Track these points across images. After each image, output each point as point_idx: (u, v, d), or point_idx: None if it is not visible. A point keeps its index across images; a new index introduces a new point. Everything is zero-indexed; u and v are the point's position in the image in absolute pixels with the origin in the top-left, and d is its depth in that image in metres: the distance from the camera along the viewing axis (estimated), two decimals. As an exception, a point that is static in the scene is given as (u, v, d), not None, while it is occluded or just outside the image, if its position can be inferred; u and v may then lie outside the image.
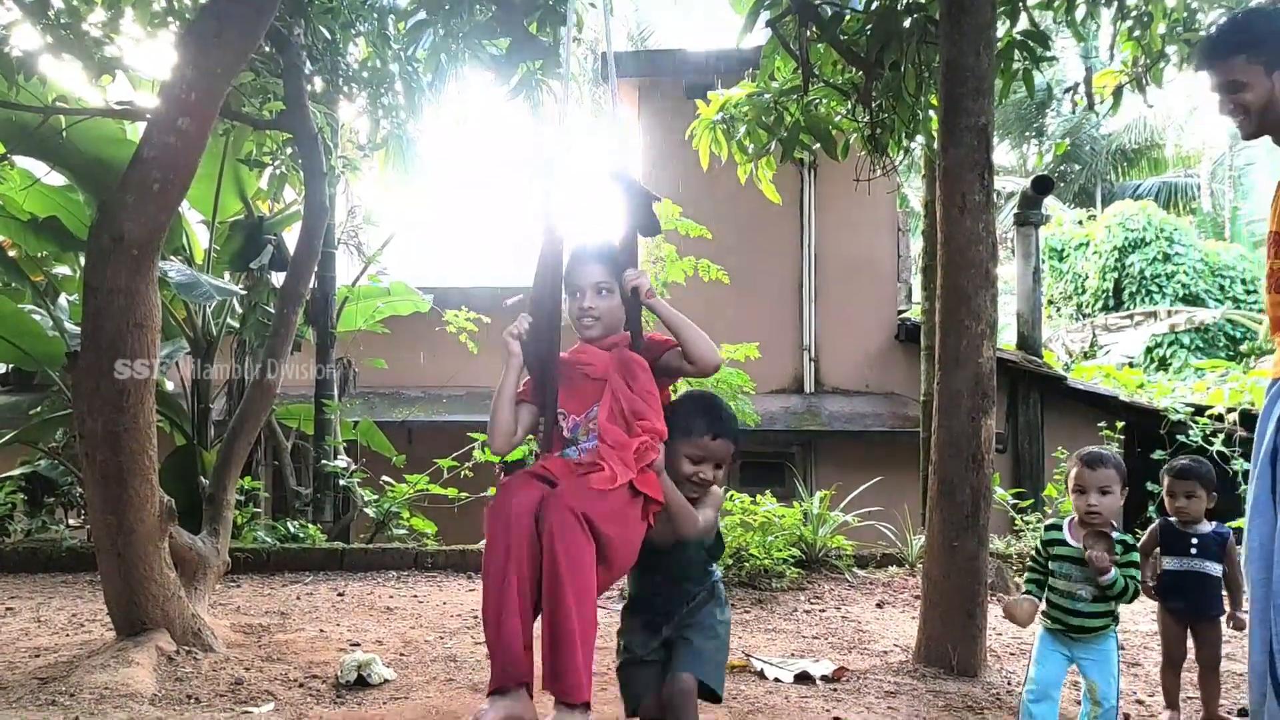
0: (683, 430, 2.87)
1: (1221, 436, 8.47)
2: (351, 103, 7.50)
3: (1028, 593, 3.54)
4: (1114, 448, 7.91)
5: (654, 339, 2.97)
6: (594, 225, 3.15)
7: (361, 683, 4.36)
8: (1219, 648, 3.93)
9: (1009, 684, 4.37)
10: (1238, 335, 16.65)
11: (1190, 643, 3.96)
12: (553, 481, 2.70)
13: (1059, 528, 3.52)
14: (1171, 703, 3.99)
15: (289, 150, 7.12)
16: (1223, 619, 3.90)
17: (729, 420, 2.96)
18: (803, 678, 4.47)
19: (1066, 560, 3.44)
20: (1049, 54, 5.72)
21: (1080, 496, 3.40)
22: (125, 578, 4.56)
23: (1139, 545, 4.03)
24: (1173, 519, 3.97)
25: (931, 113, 5.95)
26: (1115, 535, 3.38)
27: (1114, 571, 3.31)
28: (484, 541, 2.73)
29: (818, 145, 6.34)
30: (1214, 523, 3.92)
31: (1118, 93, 6.27)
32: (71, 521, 9.21)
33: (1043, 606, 3.52)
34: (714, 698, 2.89)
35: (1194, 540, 3.89)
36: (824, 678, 4.47)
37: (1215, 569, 3.85)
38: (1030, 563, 3.62)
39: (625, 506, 2.65)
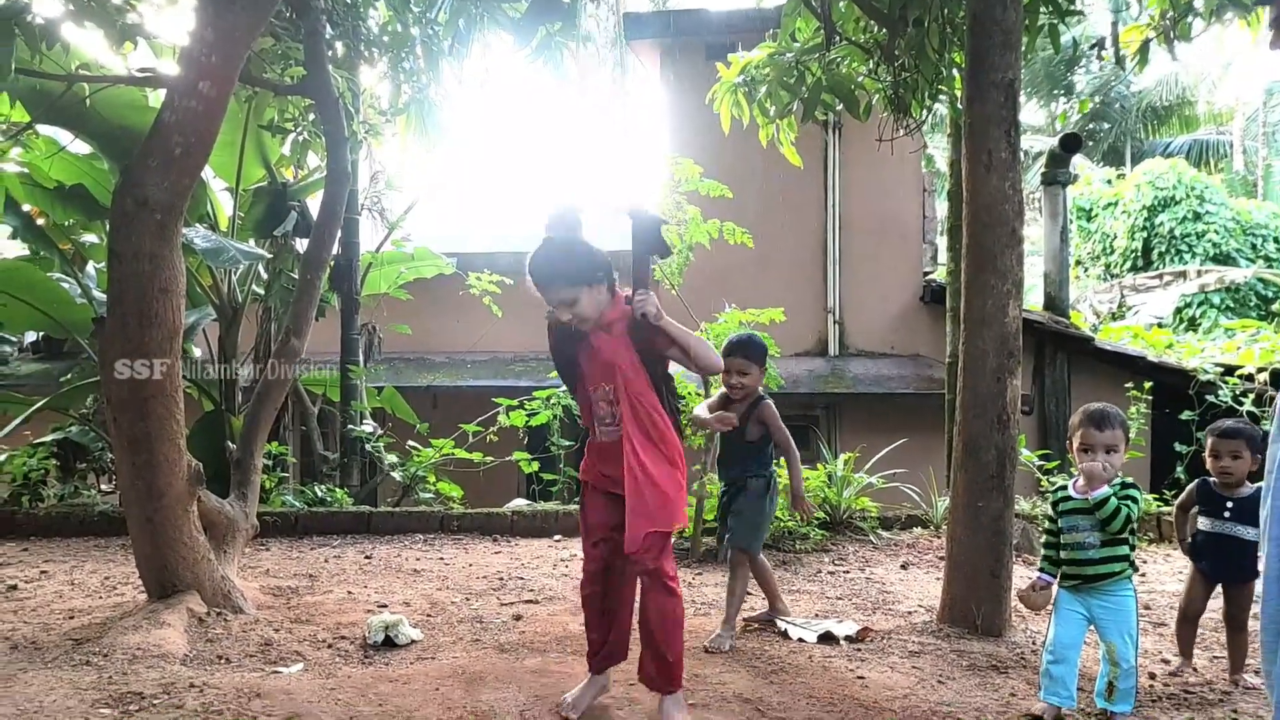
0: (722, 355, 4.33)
1: (1252, 396, 8.38)
2: (372, 68, 7.48)
3: (1042, 569, 3.60)
4: (1141, 408, 7.86)
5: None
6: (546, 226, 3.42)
7: (389, 643, 4.41)
8: (1248, 610, 3.90)
9: (1033, 644, 4.36)
10: (1269, 294, 16.45)
11: (1218, 601, 3.97)
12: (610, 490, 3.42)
13: (1065, 487, 3.59)
14: (1185, 652, 4.07)
15: (311, 116, 7.11)
16: (1257, 581, 3.86)
17: (742, 343, 4.56)
18: (826, 638, 4.48)
19: (1073, 513, 3.50)
20: (1075, 8, 5.62)
21: (1085, 455, 3.42)
22: (155, 541, 4.63)
23: (1180, 502, 4.07)
24: (1212, 479, 3.96)
25: (955, 71, 5.88)
26: (1117, 480, 3.44)
27: (1106, 488, 3.36)
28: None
29: (840, 105, 6.28)
30: (1255, 485, 3.88)
31: (1144, 48, 6.16)
32: (103, 486, 9.33)
33: (1060, 572, 3.56)
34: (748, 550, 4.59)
35: (1229, 503, 3.89)
36: (848, 638, 4.48)
37: (1249, 533, 3.82)
38: (1045, 535, 3.65)
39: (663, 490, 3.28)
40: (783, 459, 4.79)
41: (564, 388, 8.56)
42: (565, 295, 3.28)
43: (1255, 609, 3.97)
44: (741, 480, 4.60)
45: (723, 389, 4.64)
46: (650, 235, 3.37)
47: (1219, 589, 4.01)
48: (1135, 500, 3.41)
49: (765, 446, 4.61)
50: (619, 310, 3.34)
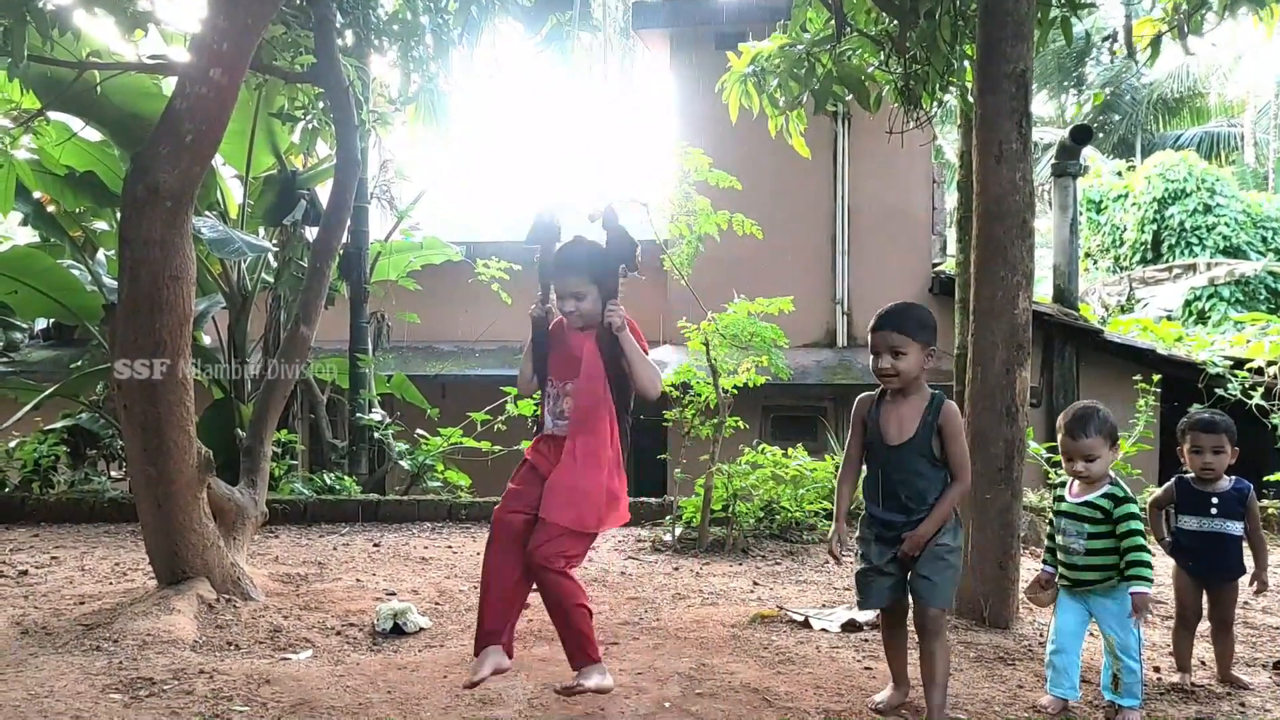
0: (869, 331, 3.44)
1: (1261, 390, 8.36)
2: (382, 56, 7.48)
3: (1046, 561, 3.62)
4: (1150, 401, 7.83)
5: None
6: (574, 232, 3.61)
7: (398, 631, 4.43)
8: (1234, 608, 3.86)
9: (1040, 636, 4.36)
10: (1279, 288, 16.37)
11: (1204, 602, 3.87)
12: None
13: (1064, 485, 3.57)
14: (1183, 665, 3.86)
15: (321, 104, 7.12)
16: (1244, 579, 3.83)
17: (895, 312, 3.38)
18: (850, 626, 4.49)
19: (1063, 515, 3.50)
20: (1087, 0, 5.60)
21: (1069, 463, 3.44)
22: (165, 527, 4.65)
23: (1154, 499, 3.96)
24: (1189, 475, 3.83)
25: (967, 62, 5.86)
26: (1107, 489, 3.42)
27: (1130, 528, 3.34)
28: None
29: (850, 97, 6.27)
30: (1232, 478, 3.79)
31: (1156, 41, 6.12)
32: (113, 473, 9.37)
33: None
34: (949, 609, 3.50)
35: (1214, 499, 3.75)
36: (869, 624, 4.49)
37: (1236, 528, 3.74)
38: (1049, 528, 3.64)
39: (587, 492, 3.33)
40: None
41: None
42: (580, 289, 3.42)
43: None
44: (921, 511, 3.31)
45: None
46: (623, 248, 3.45)
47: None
48: (1134, 515, 3.37)
49: (944, 464, 3.35)
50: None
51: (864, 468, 3.52)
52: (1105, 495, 3.40)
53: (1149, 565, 3.34)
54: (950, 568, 3.32)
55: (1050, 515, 3.65)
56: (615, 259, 3.44)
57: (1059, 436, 3.47)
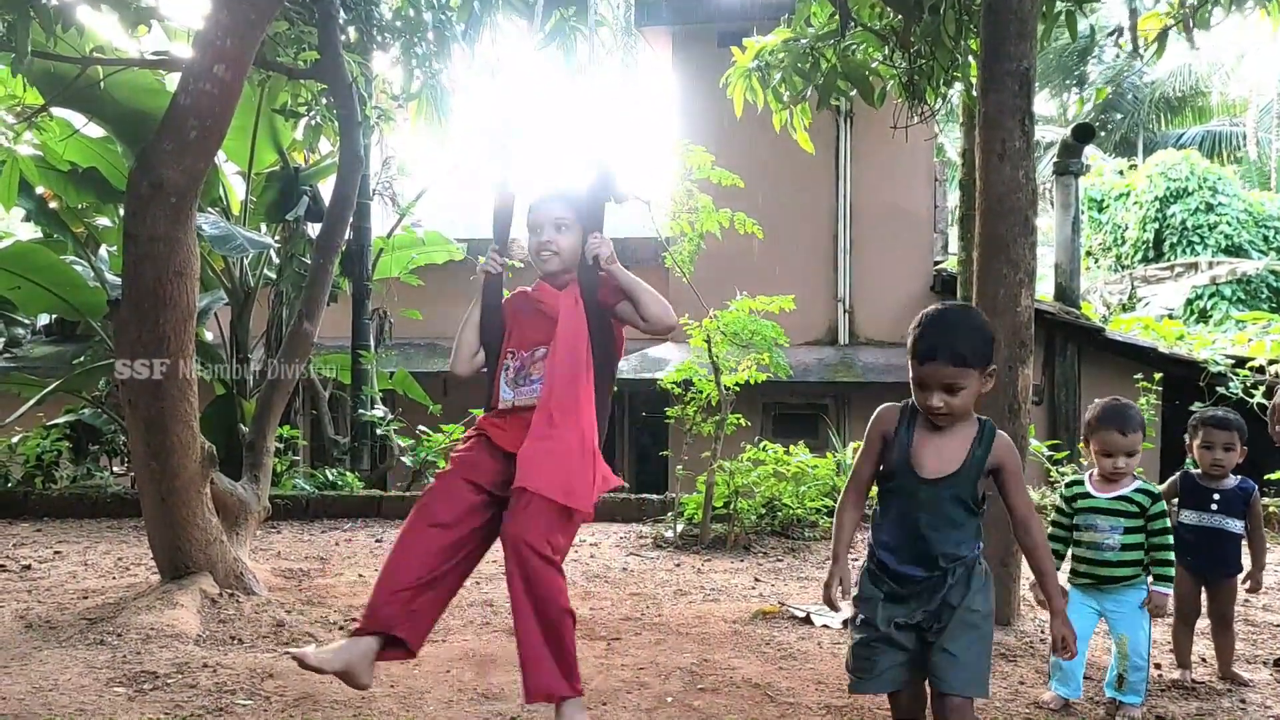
0: (910, 353, 2.62)
1: (1263, 389, 8.37)
2: (385, 52, 7.48)
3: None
4: (1152, 399, 7.84)
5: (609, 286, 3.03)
6: (556, 171, 3.25)
7: (400, 626, 4.43)
8: (1233, 604, 3.87)
9: (1042, 633, 4.37)
10: (1280, 286, 16.39)
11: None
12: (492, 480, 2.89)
13: (1081, 482, 3.55)
14: (1183, 661, 3.87)
15: (324, 101, 7.12)
16: (1239, 576, 3.84)
17: (944, 340, 2.55)
18: (851, 623, 4.49)
19: (1090, 511, 3.47)
20: (1093, -4, 5.61)
21: (1107, 459, 3.40)
22: (169, 522, 4.66)
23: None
24: (1194, 471, 3.86)
25: (971, 58, 5.86)
26: (1139, 484, 3.43)
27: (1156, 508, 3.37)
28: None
29: (854, 92, 6.27)
30: (1238, 476, 3.81)
31: (1162, 36, 6.12)
32: (115, 469, 9.39)
33: (1068, 566, 3.54)
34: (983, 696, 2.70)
35: (1216, 495, 3.77)
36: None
37: (1236, 526, 3.75)
38: (1052, 525, 3.60)
39: (569, 462, 2.79)
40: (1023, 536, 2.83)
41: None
42: (564, 217, 3.03)
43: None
44: (953, 566, 2.64)
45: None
46: (608, 179, 3.12)
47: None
48: (1166, 514, 3.41)
49: (980, 511, 2.73)
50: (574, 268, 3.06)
51: (876, 502, 2.86)
52: (1140, 491, 3.40)
53: (1174, 566, 3.40)
54: (983, 640, 2.59)
55: (1056, 514, 3.62)
56: (602, 192, 3.08)
57: (1099, 433, 3.40)
